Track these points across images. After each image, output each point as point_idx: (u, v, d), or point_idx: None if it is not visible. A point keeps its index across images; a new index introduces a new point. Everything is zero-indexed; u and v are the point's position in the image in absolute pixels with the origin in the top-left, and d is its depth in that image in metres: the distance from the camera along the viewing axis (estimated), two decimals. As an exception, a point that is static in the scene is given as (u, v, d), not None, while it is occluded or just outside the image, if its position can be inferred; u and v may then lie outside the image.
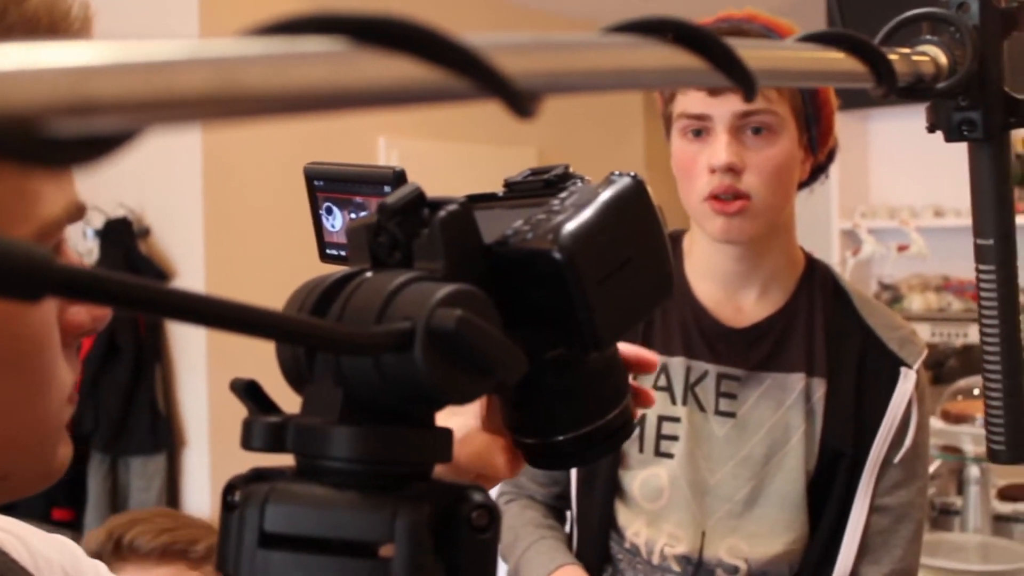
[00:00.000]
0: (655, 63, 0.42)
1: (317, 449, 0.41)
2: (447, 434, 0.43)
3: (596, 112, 5.30)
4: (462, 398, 0.41)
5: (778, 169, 1.37)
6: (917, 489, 1.44)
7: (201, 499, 3.96)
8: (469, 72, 0.32)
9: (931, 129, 0.75)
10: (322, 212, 0.62)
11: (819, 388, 1.42)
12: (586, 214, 0.44)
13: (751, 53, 0.44)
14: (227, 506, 0.42)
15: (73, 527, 3.78)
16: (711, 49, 0.42)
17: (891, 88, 0.56)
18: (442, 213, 0.43)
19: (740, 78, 0.43)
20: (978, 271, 0.81)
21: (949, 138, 0.75)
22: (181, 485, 4.04)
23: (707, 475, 1.41)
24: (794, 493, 1.40)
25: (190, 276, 3.97)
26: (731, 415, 1.42)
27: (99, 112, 0.25)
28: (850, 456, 1.40)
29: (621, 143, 5.58)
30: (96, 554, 1.25)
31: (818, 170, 1.48)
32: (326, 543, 0.39)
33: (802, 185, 1.46)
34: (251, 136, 3.92)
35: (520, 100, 0.33)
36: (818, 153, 1.44)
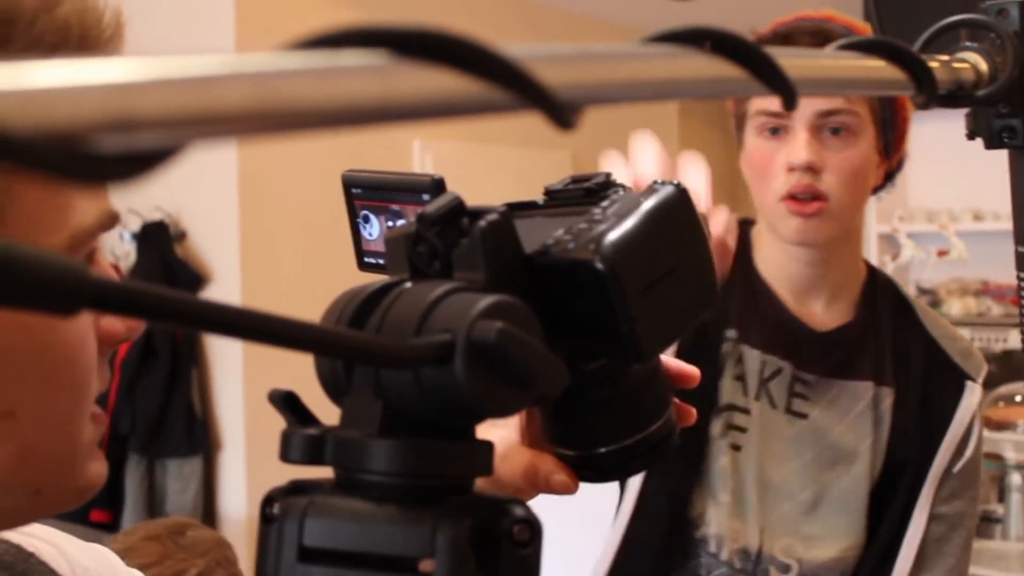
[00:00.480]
0: (695, 73, 0.41)
1: (356, 462, 0.40)
2: (488, 447, 0.42)
3: (631, 116, 5.27)
4: (503, 411, 0.40)
5: (856, 171, 1.35)
6: (971, 498, 1.43)
7: (237, 502, 3.98)
8: (511, 84, 0.32)
9: (971, 136, 0.75)
10: (359, 220, 0.62)
11: (887, 398, 1.41)
12: (628, 223, 0.44)
13: (791, 62, 0.44)
14: (266, 518, 0.42)
15: (111, 529, 3.80)
16: (751, 58, 0.42)
17: (932, 96, 0.55)
18: (482, 223, 0.43)
19: (780, 87, 0.43)
20: (1019, 278, 0.80)
21: (989, 145, 0.74)
22: (217, 488, 4.06)
23: (772, 472, 1.40)
24: (856, 500, 1.39)
25: (225, 280, 3.99)
26: (803, 416, 1.41)
27: (141, 128, 0.25)
28: (915, 466, 1.39)
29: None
30: None
31: (889, 176, 1.45)
32: (366, 558, 0.39)
33: (874, 190, 1.43)
34: (286, 140, 3.94)
35: (562, 112, 0.33)
36: (892, 158, 1.42)
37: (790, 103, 0.43)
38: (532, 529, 0.41)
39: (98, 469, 0.58)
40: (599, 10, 5.46)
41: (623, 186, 0.50)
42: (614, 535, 1.42)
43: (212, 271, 4.05)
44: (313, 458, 0.41)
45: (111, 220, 0.55)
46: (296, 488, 0.42)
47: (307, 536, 0.40)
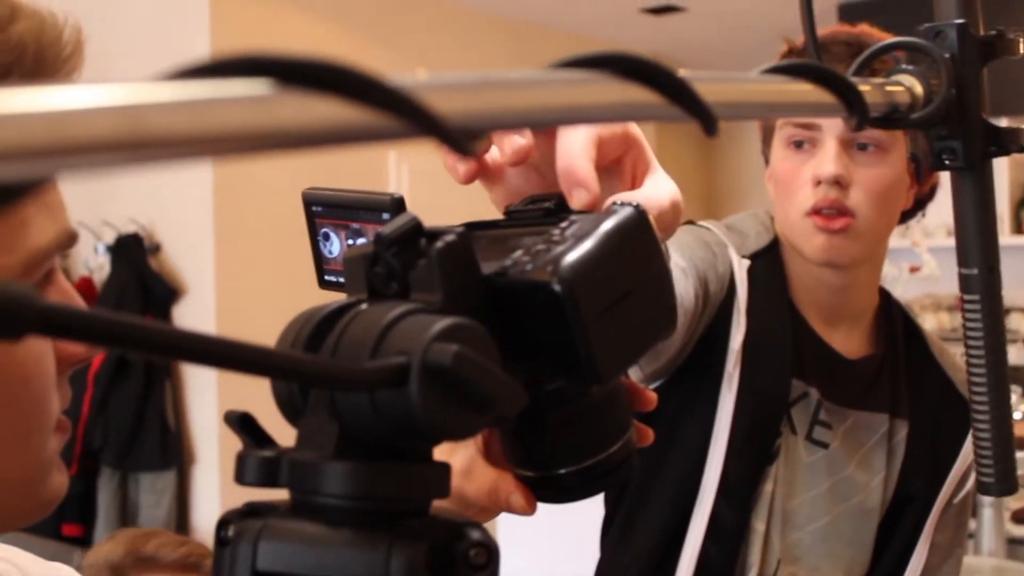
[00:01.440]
0: (605, 98, 0.41)
1: (311, 485, 0.40)
2: (444, 469, 0.42)
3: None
4: (459, 434, 0.40)
5: (885, 190, 1.29)
6: (962, 526, 1.42)
7: (210, 516, 3.95)
8: (402, 113, 0.32)
9: (912, 159, 0.74)
10: (320, 238, 0.61)
11: (902, 430, 1.38)
12: (586, 245, 0.44)
13: (710, 87, 0.43)
14: (221, 541, 0.42)
15: (83, 543, 3.77)
16: (665, 83, 0.41)
17: (863, 119, 0.54)
18: (439, 244, 0.43)
19: (698, 113, 0.42)
20: (963, 301, 0.79)
21: (931, 167, 0.74)
22: (191, 501, 4.03)
23: (785, 499, 1.36)
24: (866, 534, 1.37)
25: (200, 292, 3.97)
26: (823, 445, 1.36)
27: None
28: (921, 500, 1.37)
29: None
30: (113, 567, 1.24)
31: (920, 203, 1.39)
32: None
33: (904, 216, 1.38)
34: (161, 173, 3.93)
35: (457, 140, 0.33)
36: (924, 183, 1.35)
37: (710, 129, 0.42)
38: (488, 553, 0.40)
39: (58, 481, 0.57)
40: (586, 28, 5.48)
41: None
42: (686, 560, 1.34)
43: (187, 283, 4.03)
44: (268, 480, 0.41)
45: (69, 239, 0.55)
46: (251, 511, 0.41)
47: (260, 560, 0.39)
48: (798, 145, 1.31)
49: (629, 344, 0.45)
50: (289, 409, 0.43)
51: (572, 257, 0.43)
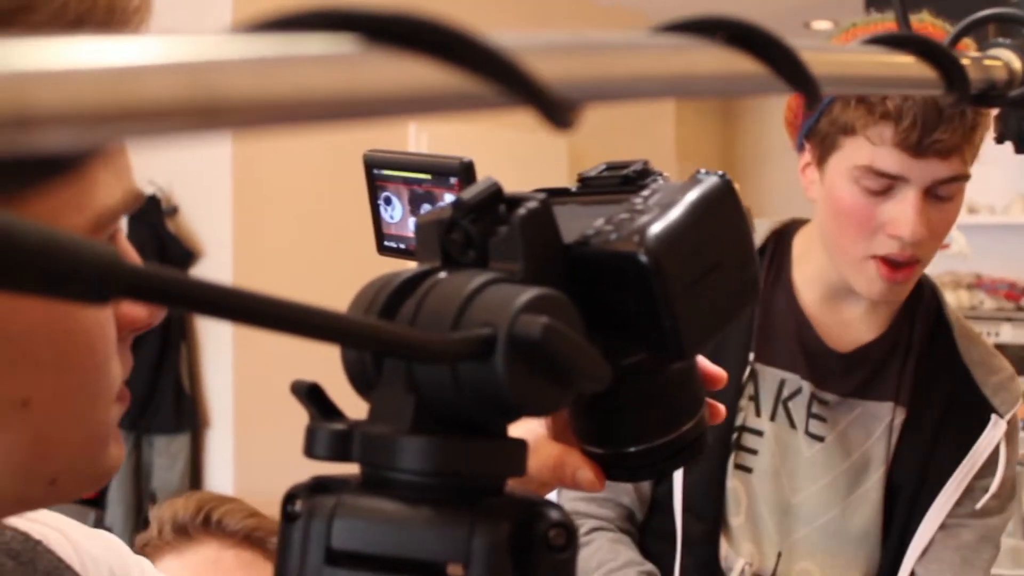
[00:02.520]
0: (709, 68, 0.38)
1: (386, 460, 0.38)
2: (522, 445, 0.40)
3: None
4: (543, 409, 0.38)
5: (951, 225, 1.26)
6: (1005, 519, 1.38)
7: (224, 479, 3.96)
8: (500, 78, 0.29)
9: (999, 139, 0.71)
10: (380, 202, 0.59)
11: (899, 417, 1.35)
12: (673, 215, 0.42)
13: (815, 56, 0.40)
14: (288, 516, 0.40)
15: (96, 504, 3.79)
16: (771, 52, 0.38)
17: (963, 95, 0.52)
18: (522, 211, 0.41)
19: (803, 85, 0.39)
20: None
21: (1020, 148, 0.70)
22: (204, 465, 4.04)
23: (789, 494, 1.35)
24: (875, 529, 1.35)
25: (217, 255, 3.96)
26: (820, 439, 1.35)
27: (38, 126, 0.21)
28: (911, 494, 1.34)
29: (652, 132, 5.53)
30: (177, 525, 1.22)
31: None
32: (397, 562, 0.37)
33: None
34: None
35: (558, 111, 0.30)
36: None
37: (812, 102, 0.40)
38: (568, 533, 0.39)
39: (116, 453, 0.56)
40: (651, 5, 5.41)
41: (660, 173, 0.48)
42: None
43: (203, 246, 4.02)
44: (339, 454, 0.39)
45: (135, 200, 0.53)
46: (320, 486, 0.40)
47: (335, 538, 0.38)
48: (876, 190, 1.23)
49: (713, 318, 0.43)
50: (360, 380, 0.41)
51: (659, 227, 0.41)
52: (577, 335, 0.38)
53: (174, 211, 4.01)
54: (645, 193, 0.45)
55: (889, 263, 1.24)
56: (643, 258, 0.40)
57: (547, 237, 0.42)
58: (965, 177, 1.23)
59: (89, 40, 0.22)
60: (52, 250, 0.25)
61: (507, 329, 0.36)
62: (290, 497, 0.40)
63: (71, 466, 0.53)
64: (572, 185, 0.51)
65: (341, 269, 4.18)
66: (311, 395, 0.41)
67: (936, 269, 4.87)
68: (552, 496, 1.31)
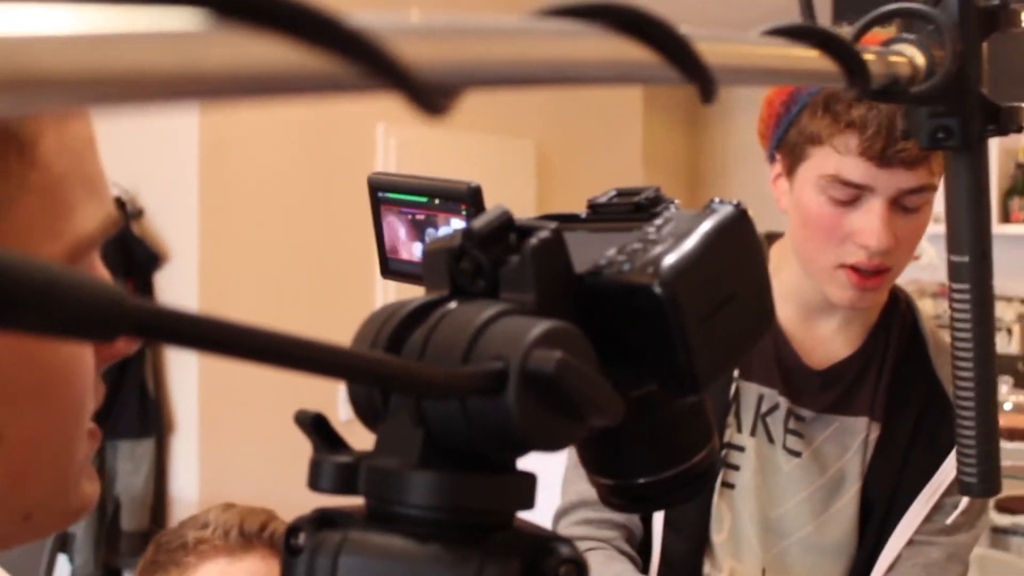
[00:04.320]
0: (596, 55, 0.36)
1: (394, 494, 0.38)
2: (531, 479, 0.40)
3: (594, 104, 5.26)
4: (554, 445, 0.38)
5: (920, 234, 1.26)
6: (974, 535, 1.39)
7: (189, 485, 3.92)
8: (363, 60, 0.27)
9: (905, 136, 0.69)
10: (384, 225, 0.58)
11: (873, 432, 1.35)
12: (687, 246, 0.41)
13: (710, 47, 0.38)
14: (291, 550, 0.39)
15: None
16: (663, 40, 0.36)
17: (864, 90, 0.50)
18: (534, 240, 0.40)
19: (697, 76, 0.37)
20: (951, 290, 0.74)
21: (925, 145, 0.68)
22: (169, 470, 4.00)
23: (768, 509, 1.35)
24: (851, 544, 1.35)
25: (183, 259, 3.92)
26: (797, 454, 1.35)
27: None
28: (883, 507, 1.34)
29: (619, 136, 5.54)
30: (245, 532, 1.20)
31: None
32: None
33: None
34: (249, 118, 3.88)
35: (425, 95, 0.28)
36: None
37: (708, 96, 0.38)
38: (579, 569, 0.38)
39: (91, 489, 0.54)
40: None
41: (672, 201, 0.48)
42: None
43: (169, 250, 3.97)
44: (345, 487, 0.39)
45: (113, 225, 0.51)
46: (325, 519, 0.39)
47: (341, 574, 0.37)
48: (844, 200, 1.23)
49: (728, 350, 0.42)
50: (368, 412, 0.40)
51: (673, 258, 0.40)
52: (590, 369, 0.37)
53: (139, 214, 3.96)
54: (658, 222, 0.44)
55: (858, 271, 1.24)
56: (658, 290, 0.40)
57: (559, 267, 0.41)
58: (932, 188, 1.22)
59: None
60: (57, 290, 0.24)
61: (520, 363, 0.36)
62: (293, 530, 0.39)
63: (46, 501, 0.51)
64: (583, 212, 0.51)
65: (308, 271, 4.15)
66: (316, 426, 0.40)
67: (902, 278, 4.91)
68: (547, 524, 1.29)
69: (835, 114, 1.20)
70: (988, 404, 0.74)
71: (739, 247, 0.43)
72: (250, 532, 1.23)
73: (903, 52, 0.60)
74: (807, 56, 0.48)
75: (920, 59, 0.60)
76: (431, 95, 0.28)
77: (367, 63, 0.27)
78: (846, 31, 1.27)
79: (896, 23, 0.67)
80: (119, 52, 0.23)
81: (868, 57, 0.52)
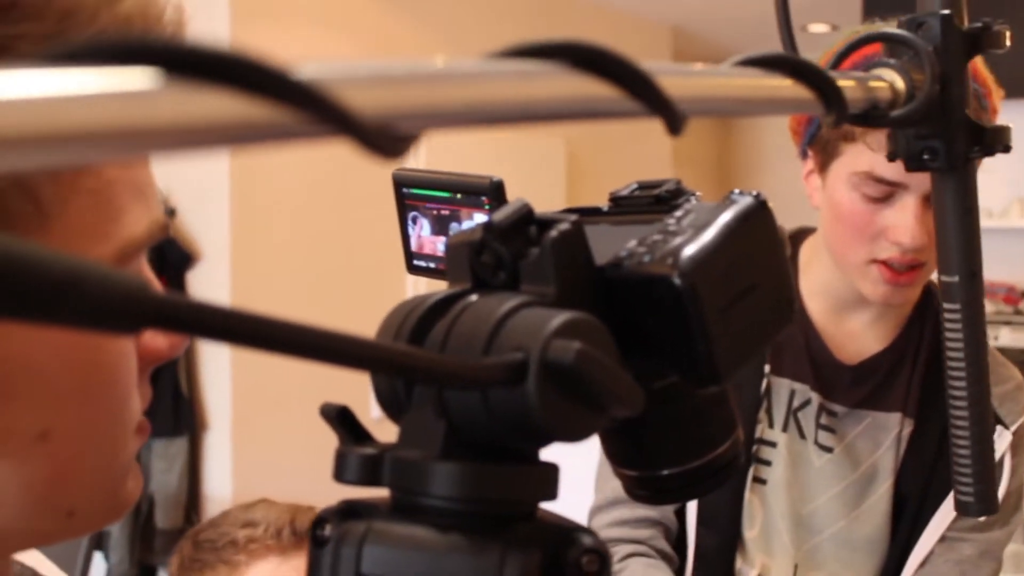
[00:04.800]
0: (559, 92, 0.37)
1: (417, 485, 0.38)
2: (553, 470, 0.40)
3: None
4: (575, 435, 0.38)
5: None
6: (1008, 532, 1.38)
7: (222, 483, 3.95)
8: (311, 109, 0.28)
9: (891, 157, 0.70)
10: (409, 221, 0.59)
11: (906, 428, 1.35)
12: (707, 237, 0.41)
13: (676, 81, 0.40)
14: (317, 541, 0.40)
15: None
16: (625, 77, 0.37)
17: (841, 116, 0.51)
18: (553, 233, 0.40)
19: (661, 109, 0.38)
20: (946, 310, 0.75)
21: (910, 167, 0.69)
22: (202, 468, 4.03)
23: (800, 505, 1.35)
24: (884, 539, 1.34)
25: (215, 258, 3.95)
26: (829, 449, 1.35)
27: None
28: (916, 503, 1.34)
29: (649, 134, 5.53)
30: (297, 531, 1.22)
31: None
32: None
33: None
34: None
35: (376, 141, 0.29)
36: None
37: (674, 128, 0.39)
38: (601, 559, 0.38)
39: (133, 486, 0.55)
40: (631, 5, 5.40)
41: (693, 193, 0.48)
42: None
43: (201, 249, 4.01)
44: (369, 479, 0.39)
45: (161, 230, 0.52)
46: (350, 510, 0.40)
47: (365, 564, 0.37)
48: (877, 197, 1.23)
49: (749, 342, 0.42)
50: (392, 404, 0.41)
51: (693, 249, 0.41)
52: (610, 360, 0.37)
53: (172, 213, 4.00)
54: (678, 214, 0.44)
55: (891, 267, 1.24)
56: (677, 281, 0.40)
57: (579, 259, 0.41)
58: None
59: None
60: (78, 280, 0.25)
61: (539, 354, 0.36)
62: (320, 521, 0.40)
63: (89, 499, 0.52)
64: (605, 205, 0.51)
65: (339, 269, 4.17)
66: (341, 419, 0.41)
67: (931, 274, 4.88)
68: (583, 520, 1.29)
69: None
70: (982, 423, 0.75)
71: (759, 238, 0.43)
72: (302, 531, 1.23)
73: (883, 77, 0.60)
74: (781, 85, 0.49)
75: (900, 83, 0.60)
76: (380, 139, 0.29)
77: (314, 111, 0.28)
78: (879, 26, 1.27)
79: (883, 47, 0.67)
80: (74, 112, 0.24)
81: (846, 83, 0.53)
